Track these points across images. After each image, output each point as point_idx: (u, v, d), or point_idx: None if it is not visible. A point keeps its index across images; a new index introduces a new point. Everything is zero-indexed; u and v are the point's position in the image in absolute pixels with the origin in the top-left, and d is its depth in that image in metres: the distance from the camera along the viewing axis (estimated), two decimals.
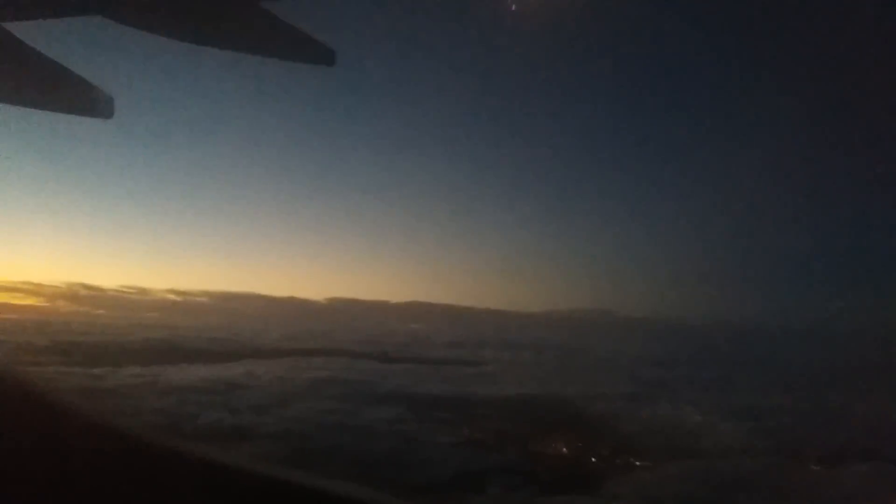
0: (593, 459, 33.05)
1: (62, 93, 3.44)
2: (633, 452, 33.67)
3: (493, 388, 51.41)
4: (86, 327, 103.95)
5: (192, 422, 30.77)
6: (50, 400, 2.13)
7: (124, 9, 3.20)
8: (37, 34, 3.20)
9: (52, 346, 65.28)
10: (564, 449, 34.31)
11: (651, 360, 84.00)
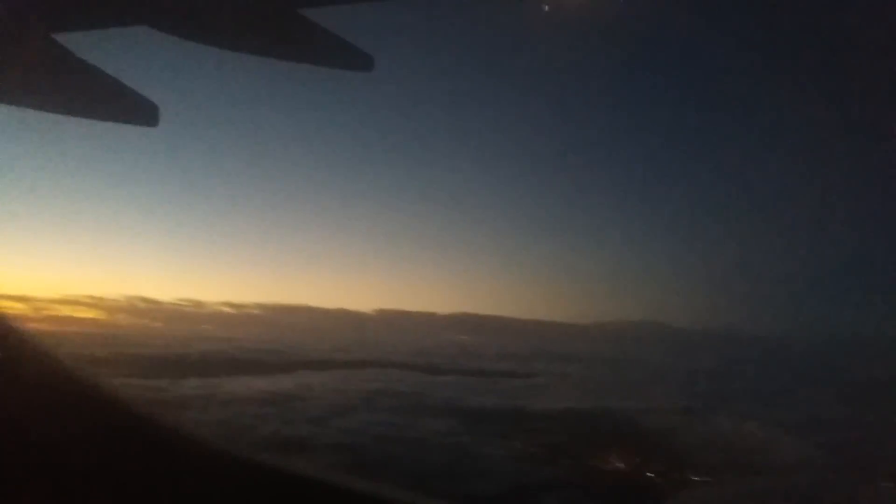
0: (649, 474, 32.44)
1: (109, 102, 3.55)
2: (691, 467, 32.96)
3: (544, 400, 51.00)
4: (145, 339, 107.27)
5: (251, 433, 31.42)
6: (117, 410, 2.26)
7: (168, 19, 3.31)
8: (84, 45, 3.33)
9: (114, 357, 67.49)
10: (620, 463, 33.77)
11: (706, 373, 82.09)
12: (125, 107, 3.57)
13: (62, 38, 3.26)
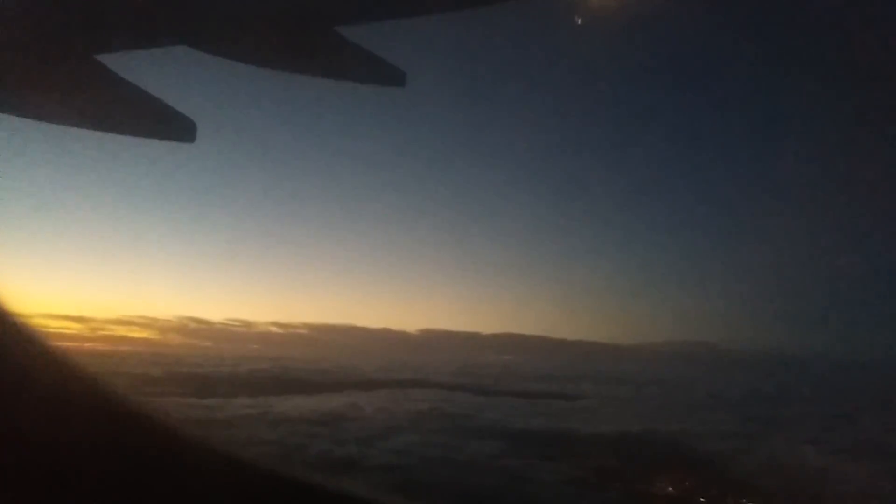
0: (702, 501, 31.63)
1: (149, 119, 3.70)
2: (747, 494, 32.00)
3: (593, 423, 50.21)
4: (196, 359, 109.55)
5: (302, 452, 31.80)
6: (170, 430, 2.32)
7: (207, 38, 3.43)
8: (126, 64, 3.48)
9: (167, 377, 69.30)
10: (671, 489, 33.00)
11: (761, 396, 79.70)
12: (164, 123, 3.72)
13: (104, 58, 3.43)
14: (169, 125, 3.71)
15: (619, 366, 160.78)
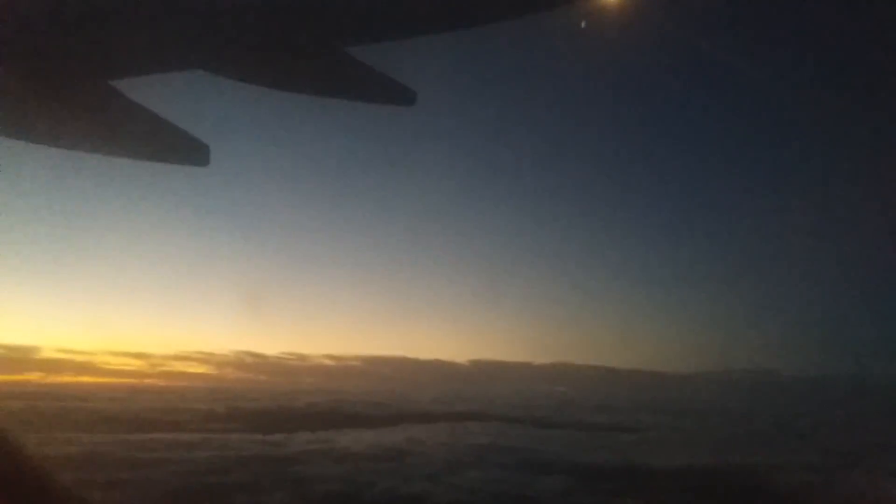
0: None
1: (163, 144, 3.69)
2: None
3: (660, 456, 48.61)
4: (254, 394, 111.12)
5: (371, 490, 31.64)
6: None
7: (220, 62, 3.44)
8: (140, 89, 3.49)
9: (228, 413, 70.27)
10: None
11: (834, 425, 76.13)
12: (178, 148, 3.73)
13: (118, 83, 3.46)
14: (183, 149, 3.74)
15: (677, 395, 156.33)
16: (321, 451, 41.83)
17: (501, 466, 39.31)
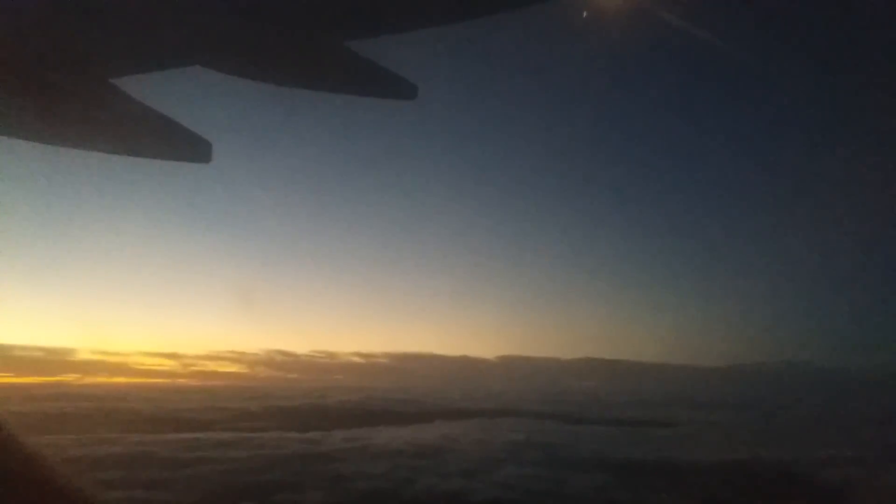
0: None
1: (165, 141, 3.66)
2: None
3: (697, 452, 48.15)
4: (286, 392, 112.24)
5: (410, 487, 31.78)
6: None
7: (220, 58, 3.42)
8: (140, 86, 3.46)
9: (262, 411, 71.03)
10: None
11: (873, 418, 74.60)
12: (180, 145, 3.70)
13: (119, 81, 3.44)
14: (185, 146, 3.72)
15: (709, 389, 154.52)
16: (358, 448, 42.08)
17: (537, 463, 39.19)
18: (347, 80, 3.59)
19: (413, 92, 3.65)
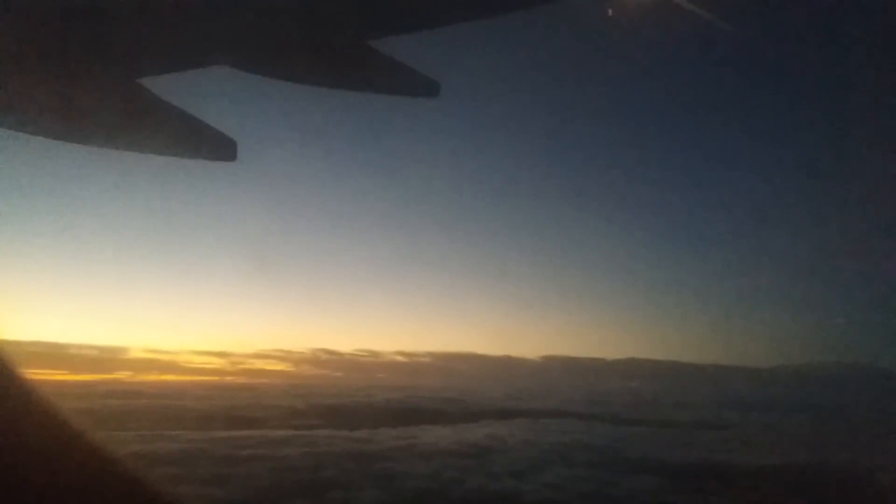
0: None
1: (190, 140, 3.73)
2: None
3: (751, 455, 46.95)
4: (331, 390, 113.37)
5: (460, 487, 31.77)
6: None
7: (245, 57, 3.46)
8: (167, 86, 3.53)
9: (310, 409, 71.91)
10: None
11: None
12: (206, 144, 3.75)
13: (146, 81, 3.50)
14: (210, 145, 3.76)
15: (758, 391, 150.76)
16: (406, 447, 42.26)
17: (587, 465, 38.75)
18: (370, 78, 3.62)
19: (436, 89, 3.65)
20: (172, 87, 3.56)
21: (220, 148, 3.81)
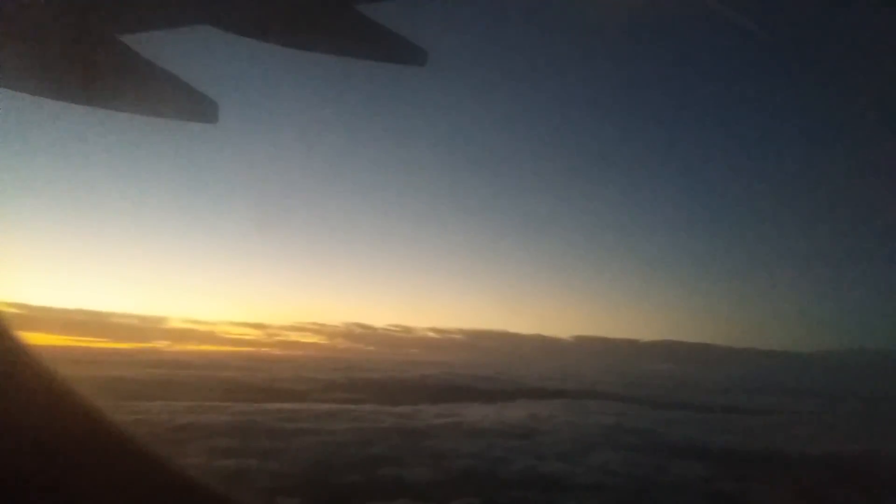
0: None
1: (173, 100, 3.62)
2: None
3: (798, 442, 46.18)
4: (366, 364, 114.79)
5: (508, 468, 31.73)
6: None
7: (229, 17, 3.34)
8: (149, 45, 3.42)
9: (349, 383, 72.86)
10: None
11: None
12: (188, 104, 3.66)
13: (128, 38, 3.38)
14: (192, 106, 3.69)
15: (799, 376, 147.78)
16: (450, 424, 42.43)
17: (633, 448, 38.42)
18: (356, 43, 3.54)
19: (423, 58, 3.56)
20: (154, 46, 3.48)
21: (201, 109, 3.72)
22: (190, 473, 2.23)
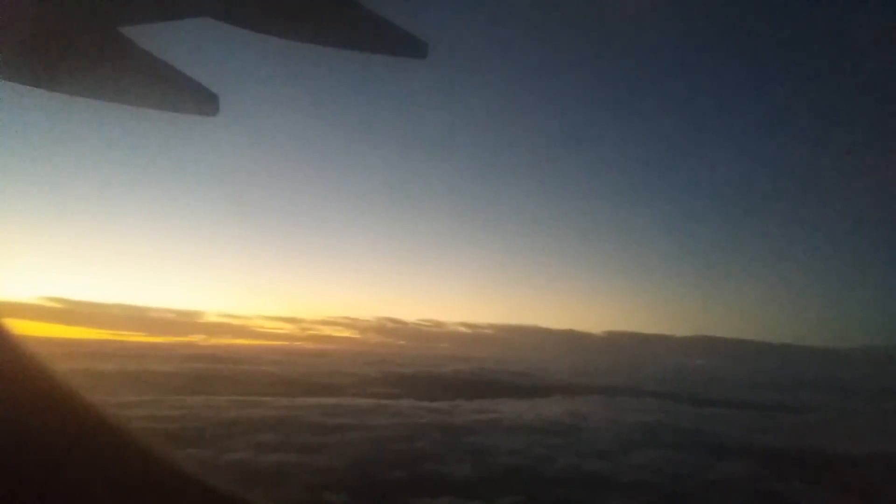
0: None
1: (172, 92, 3.55)
2: None
3: (843, 441, 45.16)
4: (398, 358, 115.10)
5: (552, 465, 31.57)
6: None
7: (228, 9, 3.31)
8: (148, 37, 3.36)
9: (384, 378, 73.17)
10: None
11: None
12: (187, 97, 3.61)
13: (126, 30, 3.32)
14: (192, 99, 3.63)
15: (837, 373, 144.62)
16: (488, 420, 42.33)
17: (676, 447, 37.93)
18: (357, 36, 3.51)
19: (424, 51, 3.51)
20: (155, 38, 3.45)
21: (202, 102, 3.67)
22: (191, 472, 2.22)
